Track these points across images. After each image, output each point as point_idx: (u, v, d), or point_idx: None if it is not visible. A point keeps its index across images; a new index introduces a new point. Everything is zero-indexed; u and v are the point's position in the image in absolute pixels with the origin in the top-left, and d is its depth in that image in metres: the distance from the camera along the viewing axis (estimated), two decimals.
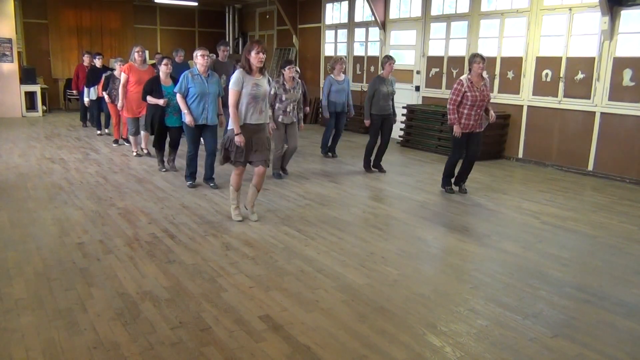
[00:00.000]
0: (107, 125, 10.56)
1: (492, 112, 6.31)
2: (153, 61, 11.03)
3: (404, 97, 10.53)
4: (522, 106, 8.84)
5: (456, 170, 6.65)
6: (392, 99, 7.59)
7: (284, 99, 6.82)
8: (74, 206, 5.63)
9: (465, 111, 6.17)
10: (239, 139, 4.80)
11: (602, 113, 7.78)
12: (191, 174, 6.51)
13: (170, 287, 3.71)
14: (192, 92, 6.05)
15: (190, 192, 6.33)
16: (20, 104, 13.10)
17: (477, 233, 5.14)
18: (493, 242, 4.89)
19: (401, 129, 10.44)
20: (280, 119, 6.87)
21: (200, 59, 6.05)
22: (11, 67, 12.89)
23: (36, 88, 13.35)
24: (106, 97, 9.25)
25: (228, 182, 6.32)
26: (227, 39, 16.79)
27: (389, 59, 7.48)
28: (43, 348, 2.89)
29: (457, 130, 6.21)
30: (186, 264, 4.13)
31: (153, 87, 6.98)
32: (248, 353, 2.90)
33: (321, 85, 12.63)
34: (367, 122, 7.57)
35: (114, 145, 9.35)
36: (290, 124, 6.98)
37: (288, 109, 6.87)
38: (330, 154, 8.90)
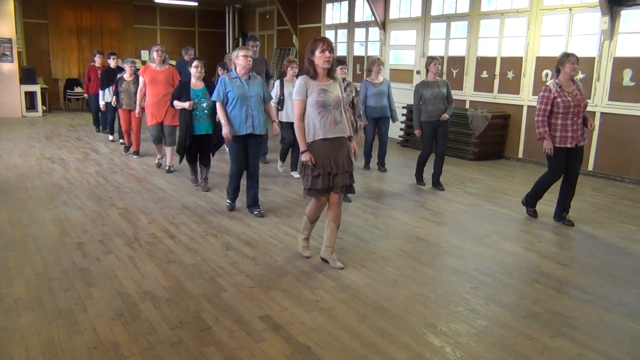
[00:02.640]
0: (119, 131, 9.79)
1: (590, 121, 5.34)
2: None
3: (405, 97, 10.50)
4: (522, 106, 8.83)
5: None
6: (449, 101, 6.73)
7: None
8: (74, 206, 5.63)
9: (559, 121, 5.20)
10: (305, 157, 3.96)
11: (602, 113, 7.78)
12: (231, 193, 5.56)
13: (170, 287, 3.70)
14: (231, 96, 5.16)
15: (190, 192, 6.32)
16: (20, 104, 13.10)
17: (477, 233, 5.14)
18: (493, 242, 4.89)
19: (401, 129, 10.46)
20: None
21: (242, 60, 5.16)
22: (11, 67, 12.89)
23: (36, 88, 13.35)
24: (113, 101, 8.47)
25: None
26: (226, 39, 16.79)
27: (432, 59, 6.70)
28: (43, 348, 2.89)
29: (547, 146, 5.23)
30: (186, 264, 4.13)
31: (181, 92, 6.19)
32: (248, 353, 2.90)
33: None
34: (417, 133, 6.79)
35: (124, 154, 8.62)
36: None
37: None
38: (377, 166, 7.99)
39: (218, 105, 5.25)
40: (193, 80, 6.28)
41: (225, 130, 5.20)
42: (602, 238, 5.09)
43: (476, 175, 7.81)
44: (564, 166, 5.35)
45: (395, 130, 10.40)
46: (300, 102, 3.97)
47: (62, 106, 15.17)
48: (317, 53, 3.94)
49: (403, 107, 10.18)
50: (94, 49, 13.53)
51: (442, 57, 10.25)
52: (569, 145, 5.24)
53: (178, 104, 6.20)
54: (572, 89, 5.23)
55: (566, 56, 5.22)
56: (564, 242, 4.95)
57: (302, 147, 4.00)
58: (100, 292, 3.58)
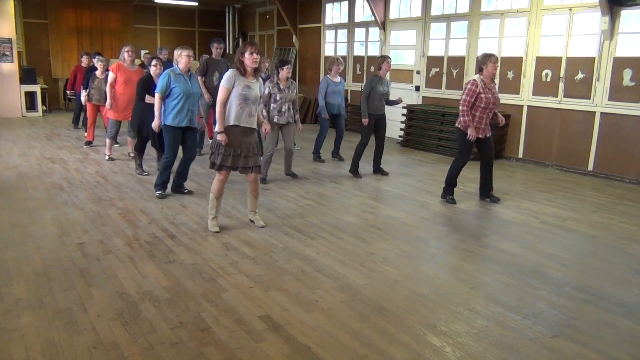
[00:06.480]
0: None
1: (500, 115, 6.06)
2: (139, 60, 10.73)
3: (404, 97, 10.52)
4: (522, 106, 8.83)
5: (460, 178, 6.39)
6: (387, 100, 7.34)
7: (278, 98, 6.67)
8: (74, 206, 5.63)
9: (478, 114, 5.81)
10: (221, 137, 4.59)
11: (602, 113, 7.77)
12: (163, 183, 6.03)
13: (170, 287, 3.71)
14: (177, 92, 5.65)
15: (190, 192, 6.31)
16: (20, 104, 13.08)
17: (477, 233, 5.14)
18: (493, 242, 4.89)
19: (401, 129, 10.45)
20: (275, 120, 6.71)
21: (184, 59, 5.69)
22: (11, 67, 12.88)
23: (36, 88, 13.33)
24: (83, 96, 8.98)
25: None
26: (226, 39, 16.80)
27: (385, 58, 7.29)
28: (43, 348, 2.89)
29: (472, 132, 5.79)
30: (186, 264, 4.13)
31: (150, 86, 6.61)
32: (248, 353, 2.90)
33: None
34: (365, 122, 7.21)
35: (84, 147, 9.03)
36: (285, 125, 6.83)
37: (283, 109, 6.71)
38: (331, 154, 8.64)
39: (157, 97, 5.71)
40: (154, 77, 6.69)
41: (155, 123, 5.79)
42: (602, 238, 5.09)
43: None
44: (471, 151, 6.04)
45: (395, 130, 10.41)
46: (225, 89, 4.58)
47: (62, 106, 15.15)
48: (247, 55, 4.53)
49: (403, 107, 10.14)
50: (94, 49, 13.56)
51: (441, 57, 10.30)
52: (480, 135, 5.89)
53: (151, 99, 6.46)
54: (491, 86, 5.84)
55: (488, 56, 5.75)
56: (563, 242, 4.95)
57: (219, 128, 4.60)
58: (100, 292, 3.58)
